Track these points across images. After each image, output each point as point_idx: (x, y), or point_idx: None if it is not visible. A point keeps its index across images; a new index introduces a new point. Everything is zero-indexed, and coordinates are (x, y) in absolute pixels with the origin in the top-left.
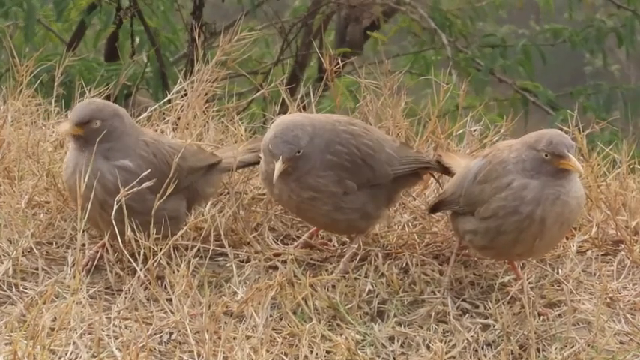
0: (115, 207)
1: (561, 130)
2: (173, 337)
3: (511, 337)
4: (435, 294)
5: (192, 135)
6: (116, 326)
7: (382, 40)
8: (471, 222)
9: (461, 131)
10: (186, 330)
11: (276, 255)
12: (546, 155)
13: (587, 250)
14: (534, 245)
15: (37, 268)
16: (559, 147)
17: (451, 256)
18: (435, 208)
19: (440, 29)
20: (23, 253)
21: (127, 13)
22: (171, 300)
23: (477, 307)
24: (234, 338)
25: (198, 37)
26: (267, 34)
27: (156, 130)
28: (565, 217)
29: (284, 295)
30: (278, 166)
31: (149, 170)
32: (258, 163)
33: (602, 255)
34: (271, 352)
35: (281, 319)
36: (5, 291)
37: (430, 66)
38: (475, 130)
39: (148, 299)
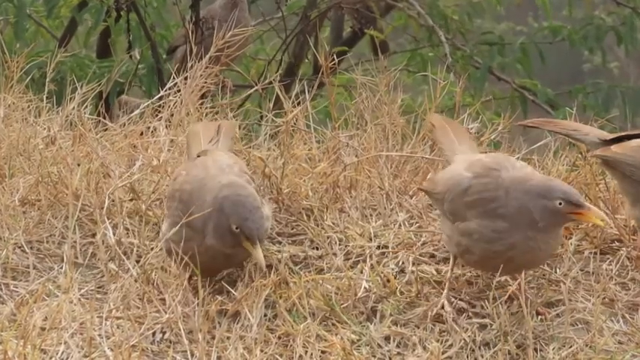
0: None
1: None
2: (166, 336)
3: (508, 337)
4: (431, 293)
5: (185, 132)
6: (108, 326)
7: (379, 37)
8: (449, 227)
9: None
10: (180, 329)
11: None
12: (560, 203)
13: (585, 249)
14: (499, 270)
15: (27, 266)
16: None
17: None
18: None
19: (437, 26)
20: (14, 250)
21: (121, 7)
22: (164, 299)
23: (474, 306)
24: (228, 338)
25: (193, 33)
26: (261, 30)
27: (148, 128)
28: (534, 263)
29: (279, 294)
30: None
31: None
32: None
33: (600, 254)
34: (265, 352)
35: (275, 319)
36: None
37: (427, 63)
38: (472, 128)
39: (140, 298)
